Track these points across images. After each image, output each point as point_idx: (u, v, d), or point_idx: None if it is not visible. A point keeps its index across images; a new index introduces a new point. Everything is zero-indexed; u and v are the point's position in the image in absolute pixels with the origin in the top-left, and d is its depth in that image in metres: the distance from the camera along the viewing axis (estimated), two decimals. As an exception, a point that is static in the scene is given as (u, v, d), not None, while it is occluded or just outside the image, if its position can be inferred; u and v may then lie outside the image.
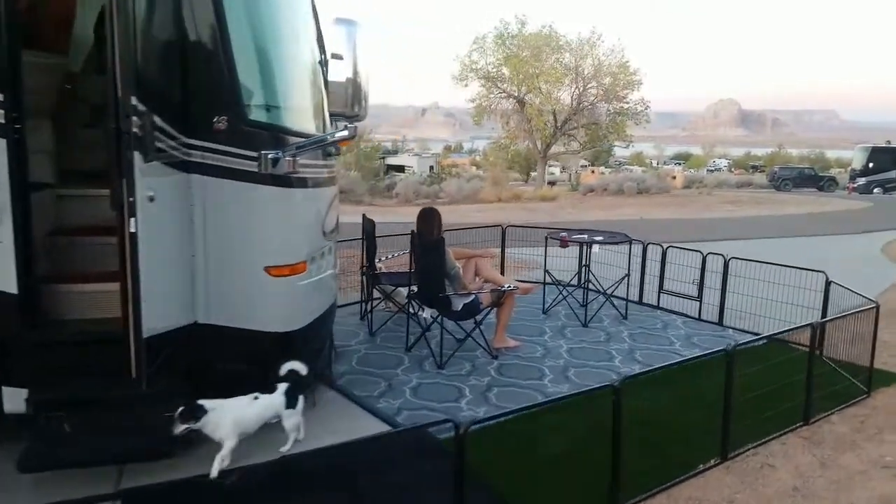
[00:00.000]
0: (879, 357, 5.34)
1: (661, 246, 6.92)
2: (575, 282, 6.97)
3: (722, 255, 6.34)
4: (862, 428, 4.22)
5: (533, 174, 51.64)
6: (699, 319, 6.46)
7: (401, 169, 45.93)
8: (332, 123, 3.96)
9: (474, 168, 47.85)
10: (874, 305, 4.82)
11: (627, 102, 30.62)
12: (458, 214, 18.73)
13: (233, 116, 3.35)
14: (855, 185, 34.20)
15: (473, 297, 5.08)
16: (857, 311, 4.76)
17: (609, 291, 6.51)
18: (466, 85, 30.27)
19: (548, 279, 6.75)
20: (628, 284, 6.56)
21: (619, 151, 52.37)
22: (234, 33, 3.29)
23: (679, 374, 3.83)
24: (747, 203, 26.01)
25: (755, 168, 72.85)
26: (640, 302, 7.05)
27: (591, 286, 6.76)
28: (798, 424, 4.17)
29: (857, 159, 35.87)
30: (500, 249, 7.96)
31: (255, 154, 3.36)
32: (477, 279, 5.48)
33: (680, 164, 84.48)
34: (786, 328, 5.83)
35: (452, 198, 30.45)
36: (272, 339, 3.62)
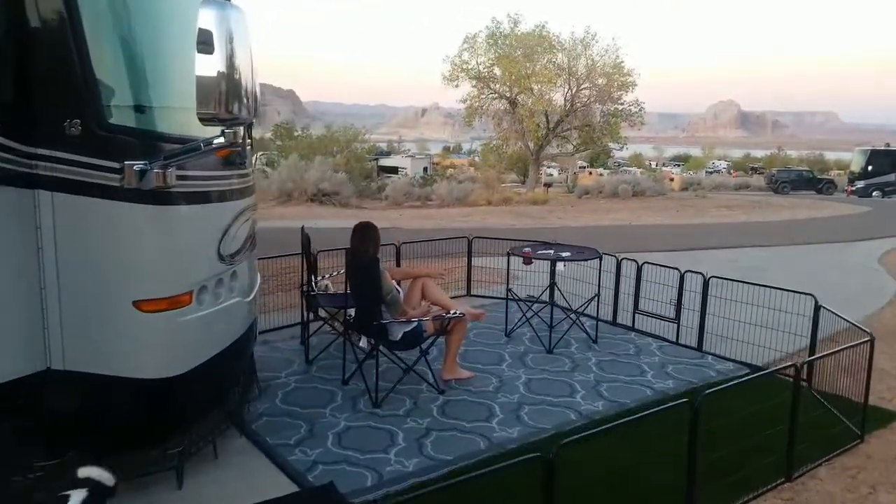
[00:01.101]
0: (876, 390, 4.76)
1: (636, 262, 6.31)
2: (546, 297, 6.37)
3: (701, 274, 5.74)
4: (853, 485, 3.62)
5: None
6: (676, 343, 5.87)
7: (394, 171, 45.16)
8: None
9: (472, 169, 47.30)
10: (868, 338, 4.21)
11: (622, 103, 30.01)
12: (444, 219, 18.17)
13: (88, 119, 2.74)
14: (853, 189, 33.64)
15: (415, 324, 4.49)
16: (849, 347, 4.16)
17: (581, 310, 5.92)
18: (457, 85, 29.70)
19: (515, 296, 6.15)
20: (598, 304, 5.98)
21: (619, 153, 51.86)
22: (87, 16, 2.69)
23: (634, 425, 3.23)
24: (743, 207, 25.40)
25: (754, 170, 72.31)
26: (613, 322, 6.46)
27: (561, 304, 6.16)
28: (779, 481, 3.57)
29: (856, 162, 35.31)
30: (467, 260, 7.41)
31: (117, 165, 2.76)
32: (423, 302, 4.88)
33: (679, 165, 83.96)
34: (770, 360, 5.35)
35: (443, 200, 29.87)
36: (148, 387, 3.02)
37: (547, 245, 6.22)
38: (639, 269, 6.26)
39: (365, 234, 4.52)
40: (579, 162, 54.67)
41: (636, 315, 6.30)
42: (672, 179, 48.78)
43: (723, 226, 17.90)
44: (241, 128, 2.94)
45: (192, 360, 3.23)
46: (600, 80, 29.12)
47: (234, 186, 3.61)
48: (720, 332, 5.69)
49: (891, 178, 32.60)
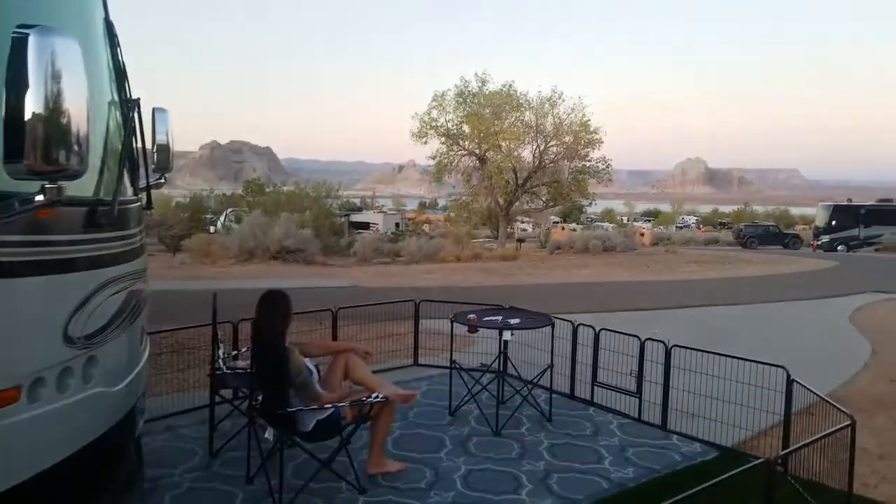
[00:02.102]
0: (858, 473, 4.19)
1: (593, 328, 5.77)
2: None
3: (663, 343, 5.21)
4: None
5: (509, 231, 51.12)
6: (639, 420, 5.28)
7: (365, 226, 44.82)
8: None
9: (448, 224, 47.27)
10: (849, 422, 3.68)
11: (590, 160, 30.18)
12: (407, 276, 17.59)
13: None
14: (819, 243, 34.01)
15: (331, 410, 3.84)
16: (828, 434, 3.62)
17: (535, 381, 5.33)
18: (426, 142, 29.65)
19: (461, 368, 5.53)
20: (551, 374, 5.39)
21: (591, 208, 52.25)
22: None
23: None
24: (712, 262, 25.29)
25: (723, 225, 73.51)
26: (571, 395, 5.86)
27: (512, 376, 5.58)
28: None
29: (820, 217, 35.88)
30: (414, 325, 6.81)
31: None
32: (345, 383, 4.25)
33: (650, 221, 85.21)
34: (740, 439, 4.80)
35: (412, 257, 29.39)
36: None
37: (497, 309, 5.66)
38: (596, 337, 5.72)
39: (271, 305, 3.92)
40: (552, 217, 55.02)
41: (595, 387, 5.72)
42: (643, 234, 49.19)
43: (692, 283, 17.58)
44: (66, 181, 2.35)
45: (22, 471, 2.54)
46: (567, 138, 29.32)
47: (97, 252, 2.99)
48: (685, 408, 5.12)
49: (854, 232, 33.06)
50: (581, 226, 55.15)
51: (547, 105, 29.35)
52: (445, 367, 6.27)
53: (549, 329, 5.42)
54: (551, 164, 30.06)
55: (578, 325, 5.88)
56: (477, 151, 29.82)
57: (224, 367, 4.47)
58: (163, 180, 4.04)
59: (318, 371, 4.30)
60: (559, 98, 29.34)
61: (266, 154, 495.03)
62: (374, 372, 4.63)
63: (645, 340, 5.35)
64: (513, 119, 29.19)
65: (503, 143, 28.78)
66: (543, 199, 32.12)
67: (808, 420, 4.42)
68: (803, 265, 23.31)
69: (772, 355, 4.85)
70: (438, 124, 29.55)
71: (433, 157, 30.16)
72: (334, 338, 6.21)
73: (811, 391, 4.24)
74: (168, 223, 46.98)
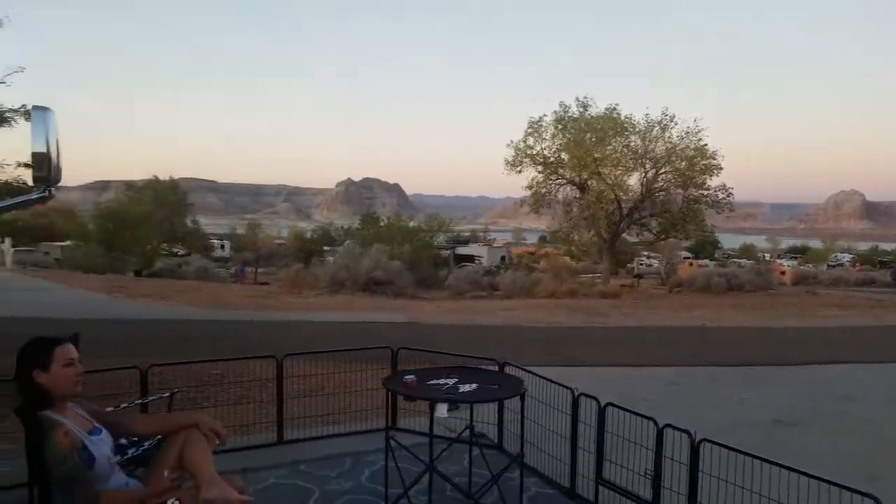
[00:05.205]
0: None
1: (598, 402, 4.02)
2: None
3: (688, 434, 3.40)
4: None
5: (629, 266, 47.93)
6: (654, 549, 3.47)
7: (470, 259, 43.86)
8: None
9: (568, 258, 45.19)
10: None
11: (707, 188, 27.13)
12: (481, 313, 16.06)
13: None
14: None
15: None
16: None
17: (521, 458, 3.71)
18: (520, 171, 28.04)
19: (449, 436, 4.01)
20: (542, 457, 3.73)
21: (728, 242, 48.00)
22: None
23: None
24: (859, 307, 21.51)
25: (883, 264, 65.15)
26: (570, 492, 4.12)
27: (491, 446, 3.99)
28: None
29: None
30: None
31: None
32: (167, 473, 2.89)
33: (795, 258, 77.51)
34: None
35: (507, 291, 27.77)
36: None
37: (453, 371, 4.09)
38: (601, 415, 3.97)
39: (18, 361, 2.67)
40: (681, 252, 51.07)
41: (599, 486, 3.96)
42: (783, 273, 44.27)
43: (825, 331, 14.56)
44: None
45: None
46: (681, 164, 26.57)
47: None
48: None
49: None
50: (714, 262, 50.74)
51: (657, 129, 26.85)
52: (421, 434, 4.77)
53: (554, 394, 3.80)
54: (661, 193, 27.38)
55: (580, 395, 4.16)
56: (577, 180, 27.82)
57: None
58: (46, 195, 2.98)
59: (139, 451, 3.01)
60: (671, 121, 26.76)
61: (395, 190, 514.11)
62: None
63: (664, 427, 3.55)
64: (616, 144, 26.97)
65: (604, 171, 26.60)
66: (654, 231, 29.34)
67: None
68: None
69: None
70: (534, 152, 27.94)
71: (529, 187, 28.54)
72: (279, 389, 4.90)
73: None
74: (279, 254, 48.83)
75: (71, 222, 46.51)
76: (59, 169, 3.14)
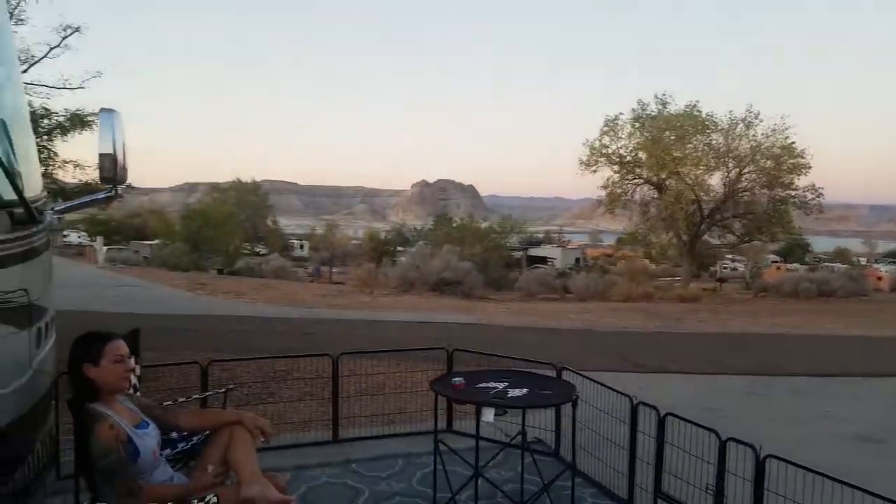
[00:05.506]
0: None
1: (657, 412, 3.81)
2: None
3: (753, 448, 3.16)
4: None
5: (712, 269, 46.10)
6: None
7: (542, 261, 43.33)
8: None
9: (647, 261, 44.03)
10: None
11: (794, 189, 25.64)
12: (551, 315, 15.78)
13: None
14: None
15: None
16: None
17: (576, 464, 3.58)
18: (595, 171, 27.40)
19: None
20: (601, 467, 3.58)
21: (820, 246, 45.39)
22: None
23: None
24: (967, 315, 19.78)
25: None
26: (626, 505, 3.94)
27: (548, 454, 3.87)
28: None
29: None
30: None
31: None
32: (210, 468, 2.94)
33: (895, 262, 72.12)
34: None
35: (580, 294, 27.22)
36: None
37: (505, 374, 3.98)
38: (660, 425, 3.77)
39: (70, 354, 2.76)
40: (769, 256, 48.65)
41: (658, 499, 3.76)
42: (880, 278, 41.30)
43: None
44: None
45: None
46: (766, 163, 25.23)
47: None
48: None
49: None
50: (804, 266, 47.99)
51: (741, 126, 25.61)
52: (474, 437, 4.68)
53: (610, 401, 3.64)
54: (745, 193, 26.09)
55: (638, 403, 3.96)
56: (654, 179, 26.92)
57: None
58: (112, 194, 3.17)
59: (188, 445, 3.08)
60: (755, 118, 25.45)
61: (470, 191, 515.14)
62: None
63: (727, 441, 3.32)
64: (696, 142, 25.90)
65: (683, 170, 25.59)
66: (737, 233, 28.00)
67: None
68: None
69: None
70: (610, 151, 27.24)
71: (604, 187, 27.85)
72: (334, 387, 4.95)
73: None
74: (353, 254, 49.83)
75: (160, 222, 49.23)
76: (124, 169, 3.25)
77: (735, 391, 7.42)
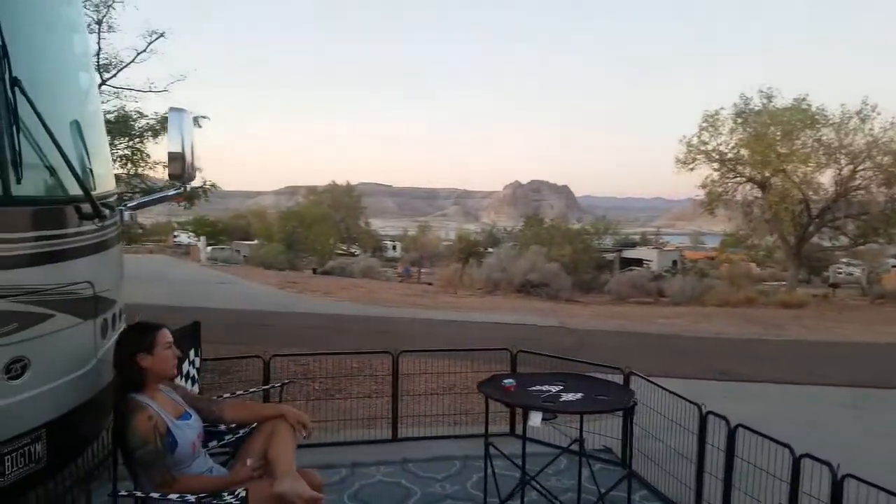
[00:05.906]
0: None
1: (727, 422, 3.52)
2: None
3: (829, 467, 2.84)
4: None
5: (825, 273, 42.99)
6: None
7: (638, 263, 41.87)
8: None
9: (754, 264, 41.66)
10: None
11: (915, 186, 23.29)
12: (639, 319, 15.16)
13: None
14: None
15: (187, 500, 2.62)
16: None
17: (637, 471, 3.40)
18: (692, 169, 25.99)
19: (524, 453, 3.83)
20: (664, 477, 3.37)
21: None
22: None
23: None
24: None
25: None
26: (695, 523, 3.67)
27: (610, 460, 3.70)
28: None
29: None
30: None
31: None
32: (250, 461, 2.97)
33: None
34: None
35: (676, 298, 26.03)
36: None
37: (561, 377, 3.81)
38: (730, 437, 3.48)
39: (117, 344, 2.86)
40: (889, 259, 44.74)
41: (727, 521, 3.48)
42: None
43: None
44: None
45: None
46: (884, 159, 23.07)
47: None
48: None
49: None
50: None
51: (854, 120, 23.56)
52: (537, 442, 4.54)
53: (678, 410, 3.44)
54: (859, 192, 24.00)
55: (707, 413, 3.68)
56: (757, 178, 25.26)
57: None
58: (181, 191, 3.37)
59: (234, 438, 3.13)
60: (872, 111, 23.33)
61: (563, 192, 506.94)
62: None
63: (801, 457, 3.02)
64: (805, 138, 24.07)
65: (789, 167, 23.86)
66: (851, 234, 25.81)
67: None
68: None
69: None
70: (709, 148, 25.80)
71: (703, 186, 26.39)
72: (394, 386, 4.94)
73: None
74: (443, 255, 50.15)
75: (261, 223, 51.79)
76: (193, 167, 3.36)
77: (831, 403, 6.82)
